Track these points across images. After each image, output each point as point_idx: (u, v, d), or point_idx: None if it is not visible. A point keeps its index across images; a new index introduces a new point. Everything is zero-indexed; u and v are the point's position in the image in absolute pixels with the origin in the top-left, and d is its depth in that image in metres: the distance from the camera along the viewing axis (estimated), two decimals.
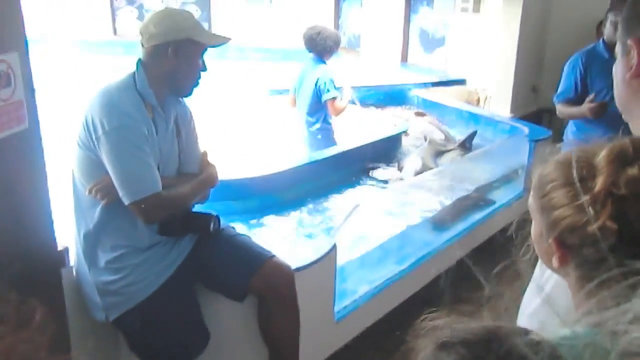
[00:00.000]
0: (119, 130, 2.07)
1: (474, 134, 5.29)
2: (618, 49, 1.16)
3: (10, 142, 1.69)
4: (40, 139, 1.80)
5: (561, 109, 3.80)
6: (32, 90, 1.74)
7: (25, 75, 1.70)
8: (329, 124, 4.76)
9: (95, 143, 2.09)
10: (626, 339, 0.45)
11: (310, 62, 4.70)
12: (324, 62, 4.65)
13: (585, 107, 3.48)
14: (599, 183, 0.85)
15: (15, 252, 1.79)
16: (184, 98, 2.38)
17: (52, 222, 1.93)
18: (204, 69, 2.31)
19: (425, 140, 5.18)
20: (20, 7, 1.67)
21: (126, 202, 2.09)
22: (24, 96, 1.69)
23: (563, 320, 0.77)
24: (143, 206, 2.10)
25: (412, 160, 4.60)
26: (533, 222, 1.01)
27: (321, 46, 4.59)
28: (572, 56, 3.83)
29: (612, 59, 1.20)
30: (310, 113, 4.67)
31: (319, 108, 4.65)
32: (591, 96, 3.49)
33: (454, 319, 0.69)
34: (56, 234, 1.97)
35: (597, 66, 3.62)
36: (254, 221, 3.67)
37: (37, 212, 1.86)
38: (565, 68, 3.82)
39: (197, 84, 2.32)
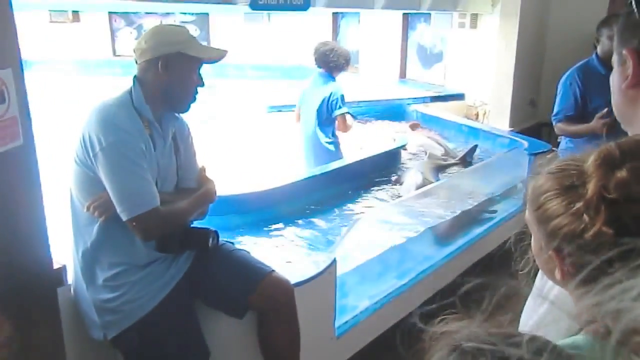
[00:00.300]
0: (116, 145, 2.06)
1: (474, 148, 5.28)
2: (614, 59, 1.17)
3: (5, 158, 1.68)
4: (35, 155, 1.79)
5: (563, 127, 3.69)
6: (27, 107, 1.74)
7: (19, 92, 1.69)
8: (337, 137, 4.82)
9: (93, 160, 2.08)
10: (630, 316, 0.43)
11: (318, 78, 4.72)
12: (333, 79, 4.68)
13: (598, 123, 3.35)
14: (590, 189, 0.84)
15: (9, 270, 1.77)
16: (181, 114, 2.36)
17: (47, 240, 1.91)
18: (201, 84, 2.28)
19: (426, 154, 5.19)
20: (14, 23, 1.67)
21: (124, 218, 2.08)
22: (18, 112, 1.69)
23: (573, 321, 0.76)
24: (141, 222, 2.08)
25: (412, 175, 4.59)
26: (532, 235, 1.00)
27: (333, 63, 4.61)
28: (567, 73, 3.77)
29: (609, 73, 1.20)
30: (321, 127, 4.70)
31: (330, 122, 4.70)
32: (603, 111, 3.32)
33: (470, 322, 0.68)
34: (52, 253, 1.95)
35: (595, 82, 3.54)
36: (253, 236, 3.66)
37: (33, 229, 1.84)
38: (561, 85, 3.74)
39: (193, 99, 2.29)
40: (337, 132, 4.77)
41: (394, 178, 4.87)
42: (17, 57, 1.69)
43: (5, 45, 1.66)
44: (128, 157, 2.07)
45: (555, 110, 3.74)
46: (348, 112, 4.66)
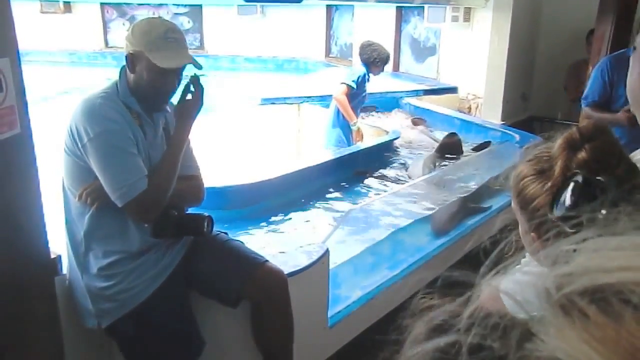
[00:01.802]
0: (103, 135, 2.07)
1: (486, 144, 5.32)
2: (638, 41, 1.15)
3: (3, 146, 1.69)
4: (33, 143, 1.81)
5: (589, 112, 3.67)
6: (24, 96, 1.75)
7: (16, 81, 1.70)
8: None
9: (82, 150, 2.09)
10: (562, 270, 0.42)
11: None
12: (366, 69, 5.17)
13: (624, 115, 3.21)
14: (556, 170, 0.90)
15: (6, 259, 1.78)
16: (155, 112, 2.28)
17: (45, 229, 1.92)
18: (170, 87, 2.20)
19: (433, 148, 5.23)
20: (11, 13, 1.68)
21: (120, 204, 2.09)
22: (15, 101, 1.70)
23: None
24: (137, 205, 2.09)
25: (417, 167, 4.66)
26: (519, 221, 1.04)
27: (367, 55, 5.17)
28: (601, 60, 3.76)
29: None
30: (337, 111, 5.18)
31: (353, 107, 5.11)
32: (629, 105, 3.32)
33: (451, 301, 0.69)
34: (49, 241, 1.97)
35: (623, 71, 3.53)
36: (246, 226, 3.67)
37: (30, 218, 1.85)
38: (593, 71, 3.74)
39: (163, 100, 2.24)
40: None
41: (402, 169, 4.98)
42: (15, 46, 1.70)
43: (2, 34, 1.67)
44: (115, 145, 2.09)
45: (585, 94, 3.75)
46: (347, 85, 5.03)
